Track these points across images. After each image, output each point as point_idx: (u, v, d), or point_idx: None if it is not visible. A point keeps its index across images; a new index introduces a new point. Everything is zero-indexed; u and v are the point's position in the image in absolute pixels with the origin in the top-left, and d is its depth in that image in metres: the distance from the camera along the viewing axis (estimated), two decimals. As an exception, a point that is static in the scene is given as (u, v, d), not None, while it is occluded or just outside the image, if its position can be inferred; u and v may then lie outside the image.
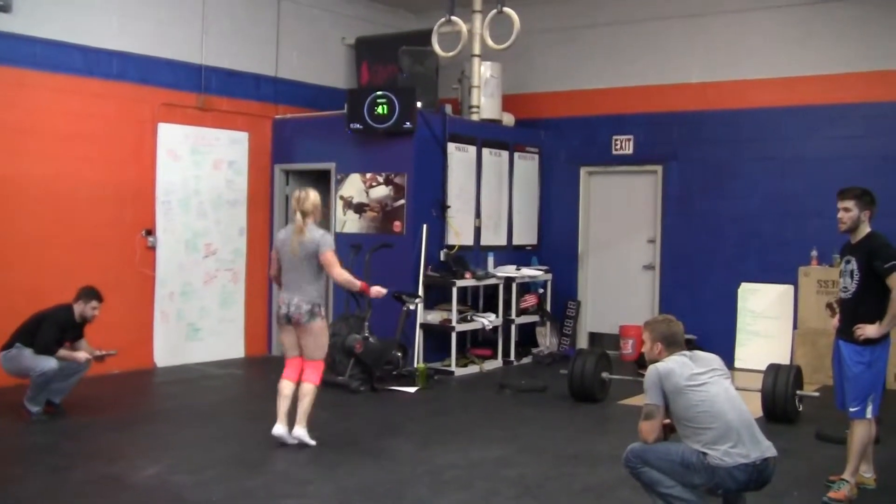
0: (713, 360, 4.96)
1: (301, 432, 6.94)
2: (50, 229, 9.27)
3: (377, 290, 7.36)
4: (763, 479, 4.76)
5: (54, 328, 7.61)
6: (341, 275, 7.01)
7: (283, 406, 6.99)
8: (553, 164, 12.36)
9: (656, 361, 4.92)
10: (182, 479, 6.10)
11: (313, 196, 7.01)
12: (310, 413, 6.97)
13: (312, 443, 6.93)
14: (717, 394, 4.75)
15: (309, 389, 6.98)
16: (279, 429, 6.95)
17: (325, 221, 10.88)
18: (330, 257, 6.92)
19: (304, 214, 6.92)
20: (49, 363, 7.45)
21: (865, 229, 5.86)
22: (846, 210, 5.85)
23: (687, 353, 4.92)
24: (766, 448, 4.75)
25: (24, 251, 9.06)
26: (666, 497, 4.75)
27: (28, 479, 6.08)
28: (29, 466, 6.43)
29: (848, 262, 5.88)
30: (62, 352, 7.64)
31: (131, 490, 5.90)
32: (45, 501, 5.65)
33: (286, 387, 7.03)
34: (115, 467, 6.40)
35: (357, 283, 7.16)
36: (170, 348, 10.36)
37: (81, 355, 7.76)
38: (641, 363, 10.02)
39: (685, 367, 4.80)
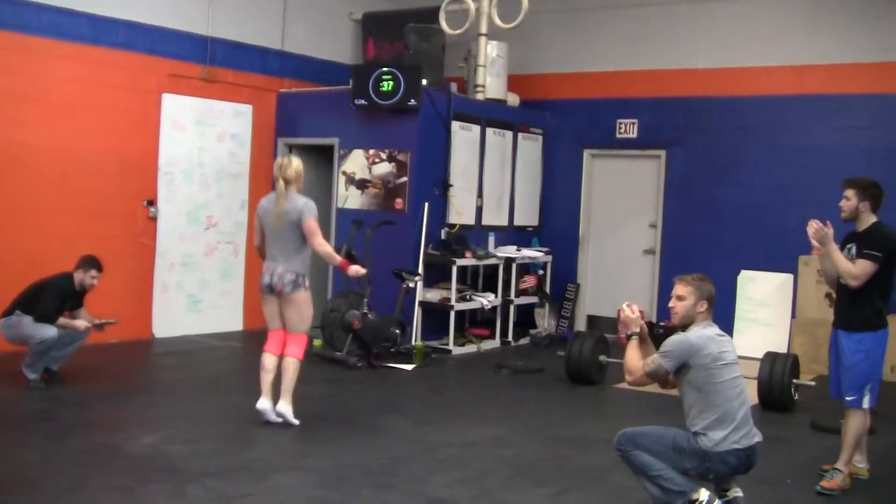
0: (732, 342, 4.97)
1: (284, 408, 6.75)
2: (52, 198, 9.26)
3: (355, 270, 7.03)
4: (750, 464, 4.85)
5: (54, 296, 7.62)
6: (322, 245, 6.71)
7: (266, 380, 6.80)
8: (557, 145, 12.34)
9: (690, 321, 4.88)
10: (178, 449, 6.13)
11: (296, 163, 6.78)
12: (293, 389, 6.80)
13: (296, 422, 6.75)
14: (733, 379, 4.76)
15: (292, 364, 6.79)
16: (263, 403, 6.77)
17: (326, 197, 10.95)
18: (312, 225, 6.65)
19: (287, 182, 6.69)
20: (49, 331, 7.48)
21: (870, 219, 5.85)
22: (846, 199, 5.89)
23: (716, 326, 4.91)
24: (754, 434, 4.81)
25: (25, 219, 9.06)
26: (655, 479, 4.75)
27: (25, 446, 6.11)
28: (25, 433, 6.46)
29: (850, 249, 5.90)
30: (62, 320, 7.66)
31: (127, 459, 5.93)
32: (42, 468, 5.66)
33: (269, 360, 6.83)
34: (112, 436, 6.42)
35: (337, 258, 6.89)
36: (169, 319, 10.37)
37: (81, 324, 7.77)
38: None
39: (715, 344, 4.78)
